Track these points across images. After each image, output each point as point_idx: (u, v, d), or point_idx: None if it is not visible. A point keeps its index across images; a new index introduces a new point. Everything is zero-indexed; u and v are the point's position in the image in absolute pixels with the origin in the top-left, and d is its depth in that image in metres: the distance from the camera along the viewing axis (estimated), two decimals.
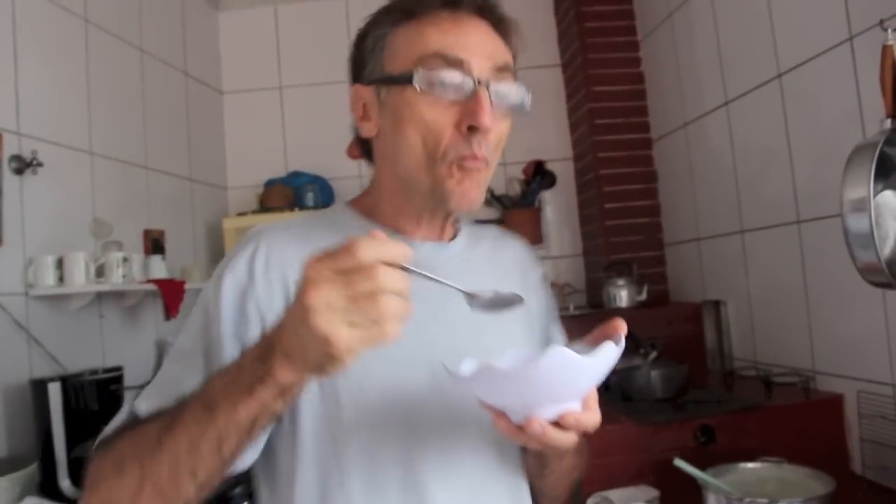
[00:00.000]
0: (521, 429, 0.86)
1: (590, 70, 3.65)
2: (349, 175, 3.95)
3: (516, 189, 3.89)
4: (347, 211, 1.17)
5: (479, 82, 1.01)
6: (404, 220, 1.13)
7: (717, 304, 3.04)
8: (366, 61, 1.09)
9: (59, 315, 2.56)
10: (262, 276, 1.02)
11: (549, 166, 3.94)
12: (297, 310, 0.74)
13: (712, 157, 3.03)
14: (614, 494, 2.16)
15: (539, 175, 3.88)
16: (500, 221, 3.86)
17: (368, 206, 1.16)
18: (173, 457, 0.82)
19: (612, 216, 3.60)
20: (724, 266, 3.01)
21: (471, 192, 1.03)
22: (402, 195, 1.10)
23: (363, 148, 1.17)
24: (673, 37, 3.31)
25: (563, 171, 3.98)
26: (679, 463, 1.89)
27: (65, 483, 2.17)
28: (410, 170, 1.04)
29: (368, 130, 1.10)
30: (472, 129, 1.00)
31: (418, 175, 1.04)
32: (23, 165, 2.46)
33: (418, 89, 1.00)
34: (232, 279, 1.02)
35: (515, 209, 3.85)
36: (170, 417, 0.84)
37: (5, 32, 2.45)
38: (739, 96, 2.78)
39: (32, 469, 2.10)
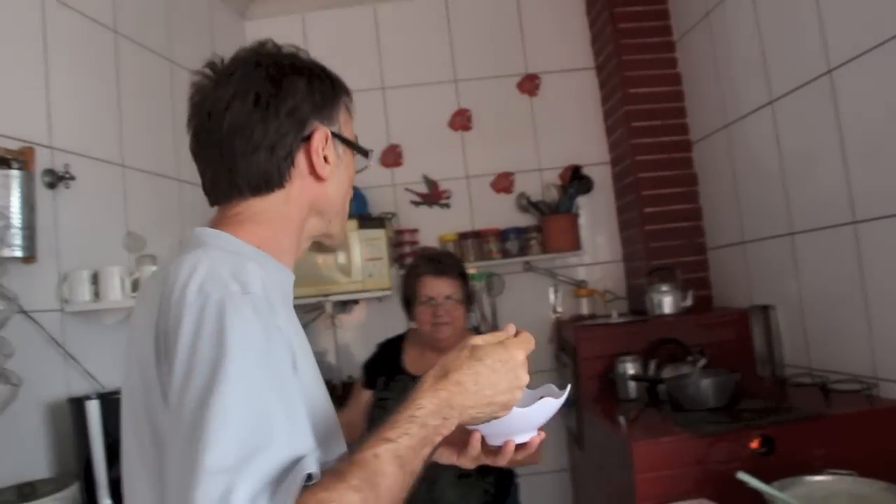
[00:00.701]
0: (490, 449, 1.19)
1: (625, 72, 3.57)
2: (383, 184, 3.91)
3: (553, 195, 3.81)
4: (254, 249, 1.13)
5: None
6: (290, 257, 1.20)
7: (765, 309, 2.94)
8: (333, 106, 1.21)
9: (94, 331, 2.51)
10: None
11: (586, 171, 3.86)
12: (508, 378, 1.06)
13: (757, 158, 2.94)
14: None
15: (576, 180, 3.80)
16: (537, 228, 3.79)
17: (264, 240, 1.15)
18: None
19: (652, 220, 3.51)
20: (773, 269, 2.91)
21: None
22: (301, 235, 1.21)
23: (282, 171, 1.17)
24: (711, 35, 3.22)
25: (601, 175, 3.90)
26: (743, 476, 1.80)
27: (105, 503, 2.12)
28: (342, 222, 1.27)
29: (322, 172, 1.17)
30: None
31: (342, 227, 1.28)
32: (55, 179, 2.42)
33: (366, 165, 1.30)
34: (265, 300, 1.00)
35: (552, 215, 3.77)
36: (369, 475, 0.90)
37: (36, 45, 2.41)
38: (785, 94, 2.69)
39: (74, 489, 2.05)
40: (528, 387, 1.12)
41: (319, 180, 1.17)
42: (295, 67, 1.18)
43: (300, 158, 1.16)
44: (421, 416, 0.98)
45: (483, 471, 2.25)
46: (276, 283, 1.07)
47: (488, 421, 1.08)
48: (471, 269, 3.80)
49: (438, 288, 2.46)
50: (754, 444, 2.19)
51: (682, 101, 3.57)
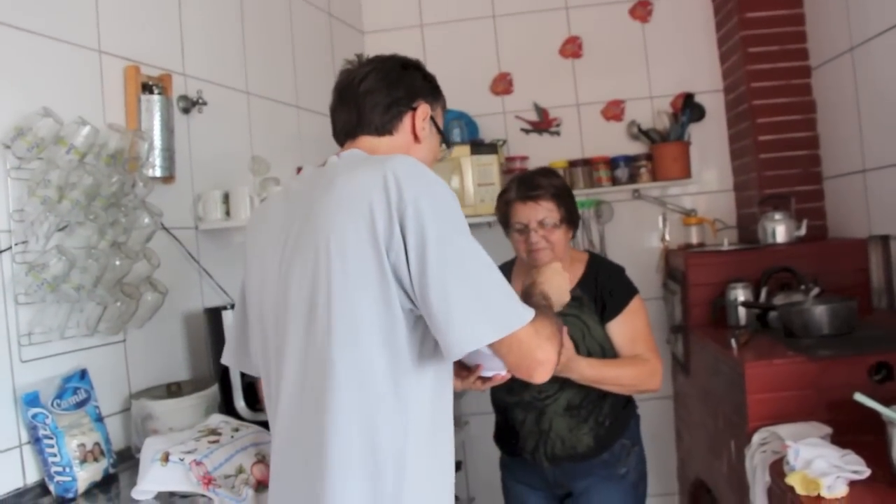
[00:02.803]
0: (482, 378, 1.63)
1: None
2: (494, 112, 3.94)
3: (664, 122, 3.78)
4: None
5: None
6: None
7: (885, 239, 2.87)
8: (436, 99, 1.65)
9: (224, 248, 2.67)
10: None
11: (697, 99, 3.79)
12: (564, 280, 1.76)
13: (884, 83, 2.83)
14: (783, 430, 2.10)
15: (688, 108, 3.74)
16: (647, 156, 3.77)
17: None
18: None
19: (767, 149, 3.45)
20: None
21: None
22: None
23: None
24: None
25: (712, 103, 3.83)
26: (860, 398, 1.81)
27: (240, 404, 2.29)
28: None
29: (420, 133, 1.60)
30: None
31: None
32: (189, 105, 2.55)
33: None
34: None
35: (663, 143, 3.74)
36: (549, 314, 1.49)
37: None
38: None
39: (214, 390, 2.22)
40: None
41: (416, 140, 1.59)
42: (416, 66, 1.63)
43: (407, 119, 1.58)
44: (539, 295, 1.62)
45: (595, 404, 2.30)
46: None
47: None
48: (580, 197, 3.82)
49: (530, 213, 2.26)
50: (870, 370, 2.18)
51: (802, 24, 3.45)
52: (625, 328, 2.29)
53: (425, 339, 1.36)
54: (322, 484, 1.32)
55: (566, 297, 1.74)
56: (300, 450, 1.38)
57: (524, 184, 2.30)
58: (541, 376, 1.36)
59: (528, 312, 1.35)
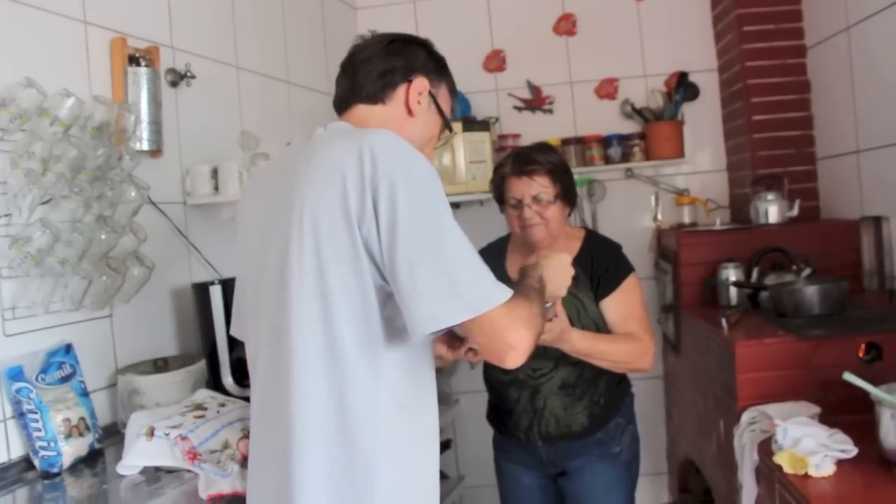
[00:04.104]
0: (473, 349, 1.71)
1: None
2: (486, 89, 3.92)
3: (658, 101, 3.76)
4: None
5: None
6: None
7: (877, 221, 2.87)
8: (439, 78, 1.60)
9: (212, 223, 2.65)
10: None
11: (692, 78, 3.77)
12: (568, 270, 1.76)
13: (881, 62, 2.81)
14: (772, 409, 2.10)
15: (682, 87, 3.72)
16: (640, 135, 3.75)
17: None
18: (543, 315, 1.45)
19: (761, 129, 3.43)
20: (889, 179, 2.82)
21: None
22: None
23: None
24: None
25: (706, 82, 3.81)
26: (849, 377, 1.80)
27: (228, 380, 2.28)
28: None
29: (413, 107, 1.54)
30: None
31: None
32: (177, 78, 2.52)
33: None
34: None
35: (657, 122, 3.72)
36: (536, 294, 1.47)
37: None
38: None
39: (201, 365, 2.21)
40: None
41: (409, 114, 1.54)
42: (423, 43, 1.60)
43: (401, 89, 1.54)
44: (533, 276, 1.57)
45: (590, 382, 2.29)
46: None
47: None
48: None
49: (524, 188, 2.23)
50: (860, 351, 2.18)
51: (797, 3, 3.43)
52: (619, 306, 2.27)
53: (398, 315, 1.31)
54: (291, 455, 1.32)
55: (562, 292, 1.74)
56: (274, 422, 1.38)
57: (519, 158, 2.27)
58: (512, 360, 1.29)
59: (502, 293, 1.29)
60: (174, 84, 2.51)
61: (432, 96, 1.57)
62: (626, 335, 2.25)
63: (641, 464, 2.45)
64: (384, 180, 1.27)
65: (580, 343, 2.10)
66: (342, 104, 1.56)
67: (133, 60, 2.27)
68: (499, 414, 2.42)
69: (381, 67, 1.52)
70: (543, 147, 2.36)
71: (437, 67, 1.59)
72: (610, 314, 2.27)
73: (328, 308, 1.30)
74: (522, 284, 1.46)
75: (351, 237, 1.28)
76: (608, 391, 2.31)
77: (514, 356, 1.28)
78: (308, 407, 1.31)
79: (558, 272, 1.70)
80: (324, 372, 1.31)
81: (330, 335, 1.31)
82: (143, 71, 2.28)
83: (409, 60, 1.55)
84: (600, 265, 2.28)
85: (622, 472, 2.36)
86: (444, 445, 3.55)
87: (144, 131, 2.29)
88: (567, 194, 2.29)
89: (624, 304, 2.27)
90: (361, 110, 1.53)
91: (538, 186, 2.22)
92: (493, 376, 2.39)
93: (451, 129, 1.64)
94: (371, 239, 1.27)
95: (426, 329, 1.25)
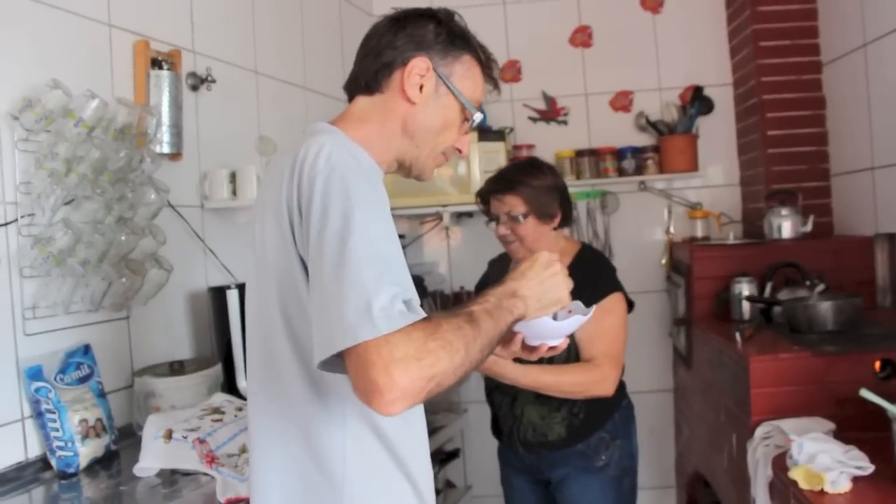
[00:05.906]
0: (527, 347, 1.42)
1: None
2: (501, 99, 3.89)
3: (672, 115, 3.77)
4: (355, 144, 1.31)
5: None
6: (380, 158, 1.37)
7: (892, 238, 2.87)
8: (453, 55, 1.38)
9: (229, 227, 2.66)
10: None
11: (707, 92, 3.78)
12: (552, 275, 1.32)
13: None
14: (786, 424, 2.09)
15: (696, 101, 3.73)
16: (654, 148, 3.76)
17: (363, 137, 1.33)
18: (481, 346, 1.15)
19: (775, 144, 3.43)
20: None
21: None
22: (391, 146, 1.37)
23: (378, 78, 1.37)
24: None
25: (721, 97, 3.82)
26: (866, 394, 1.80)
27: (242, 384, 2.28)
28: (430, 154, 1.41)
29: (409, 92, 1.33)
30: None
31: (428, 160, 1.41)
32: (198, 82, 2.54)
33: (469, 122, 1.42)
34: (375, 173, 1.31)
35: (671, 135, 3.73)
36: (467, 321, 1.15)
37: None
38: None
39: (217, 369, 2.22)
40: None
41: (409, 102, 1.34)
42: (433, 15, 1.39)
43: (397, 74, 1.34)
44: (496, 293, 1.25)
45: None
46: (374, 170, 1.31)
47: (548, 315, 1.34)
48: (585, 187, 3.81)
49: (497, 207, 2.32)
50: (876, 367, 2.18)
51: (814, 19, 3.43)
52: (588, 325, 2.08)
53: None
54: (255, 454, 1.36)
55: (555, 295, 1.33)
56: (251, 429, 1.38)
57: (493, 179, 2.38)
58: (381, 406, 1.03)
59: (386, 322, 1.04)
60: (195, 88, 2.53)
61: (441, 78, 1.36)
62: (579, 365, 2.25)
63: (649, 477, 2.46)
64: (305, 194, 1.15)
65: (522, 379, 2.17)
66: (348, 96, 1.42)
67: (155, 63, 2.29)
68: (494, 419, 2.51)
69: (378, 48, 1.36)
70: (523, 166, 2.44)
71: (448, 42, 1.37)
72: (579, 331, 1.96)
73: (275, 325, 1.24)
74: (460, 307, 1.19)
75: (286, 253, 1.20)
76: (589, 405, 2.30)
77: (382, 402, 1.03)
78: (266, 438, 1.32)
79: (535, 282, 1.30)
80: (275, 399, 1.27)
81: (278, 352, 1.24)
82: (165, 74, 2.30)
83: (411, 38, 1.35)
84: (584, 280, 2.18)
85: (608, 486, 2.36)
86: (452, 455, 3.55)
87: (165, 134, 2.30)
88: (543, 210, 2.30)
89: (595, 325, 2.03)
90: (360, 102, 1.38)
91: (508, 206, 2.30)
92: (485, 381, 2.45)
93: (472, 112, 1.39)
94: (303, 254, 1.17)
95: (315, 361, 1.10)
